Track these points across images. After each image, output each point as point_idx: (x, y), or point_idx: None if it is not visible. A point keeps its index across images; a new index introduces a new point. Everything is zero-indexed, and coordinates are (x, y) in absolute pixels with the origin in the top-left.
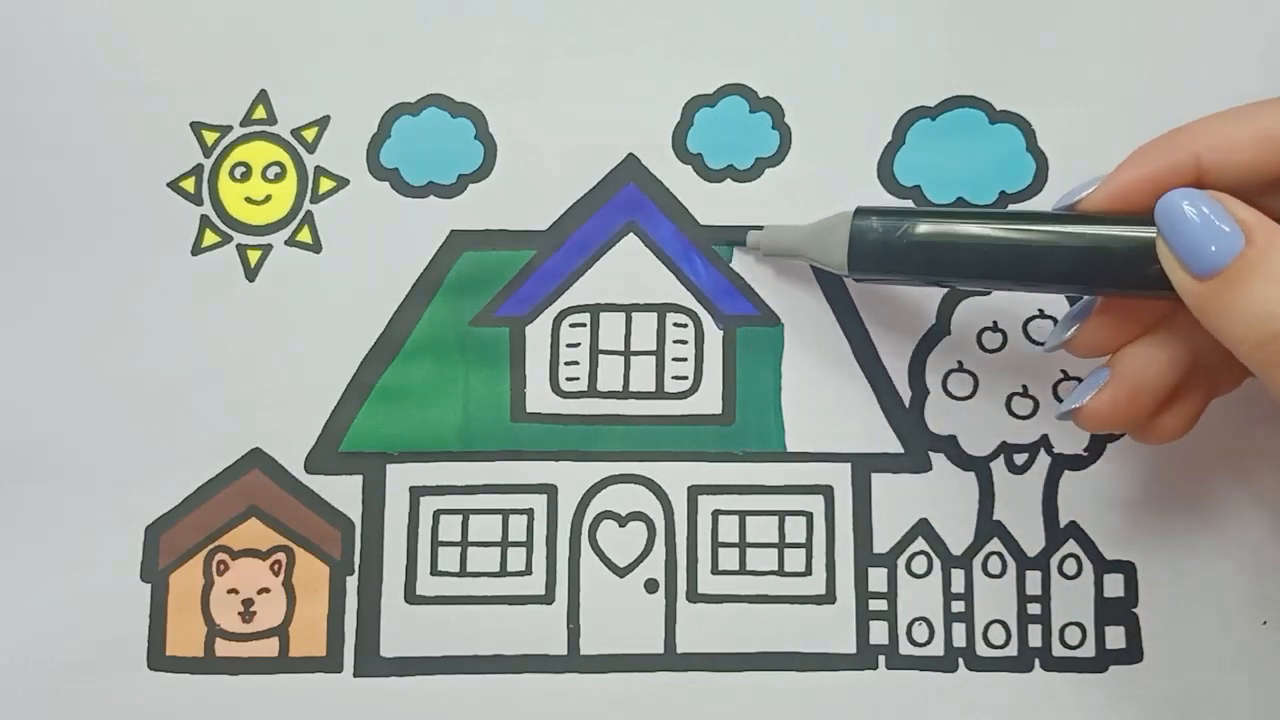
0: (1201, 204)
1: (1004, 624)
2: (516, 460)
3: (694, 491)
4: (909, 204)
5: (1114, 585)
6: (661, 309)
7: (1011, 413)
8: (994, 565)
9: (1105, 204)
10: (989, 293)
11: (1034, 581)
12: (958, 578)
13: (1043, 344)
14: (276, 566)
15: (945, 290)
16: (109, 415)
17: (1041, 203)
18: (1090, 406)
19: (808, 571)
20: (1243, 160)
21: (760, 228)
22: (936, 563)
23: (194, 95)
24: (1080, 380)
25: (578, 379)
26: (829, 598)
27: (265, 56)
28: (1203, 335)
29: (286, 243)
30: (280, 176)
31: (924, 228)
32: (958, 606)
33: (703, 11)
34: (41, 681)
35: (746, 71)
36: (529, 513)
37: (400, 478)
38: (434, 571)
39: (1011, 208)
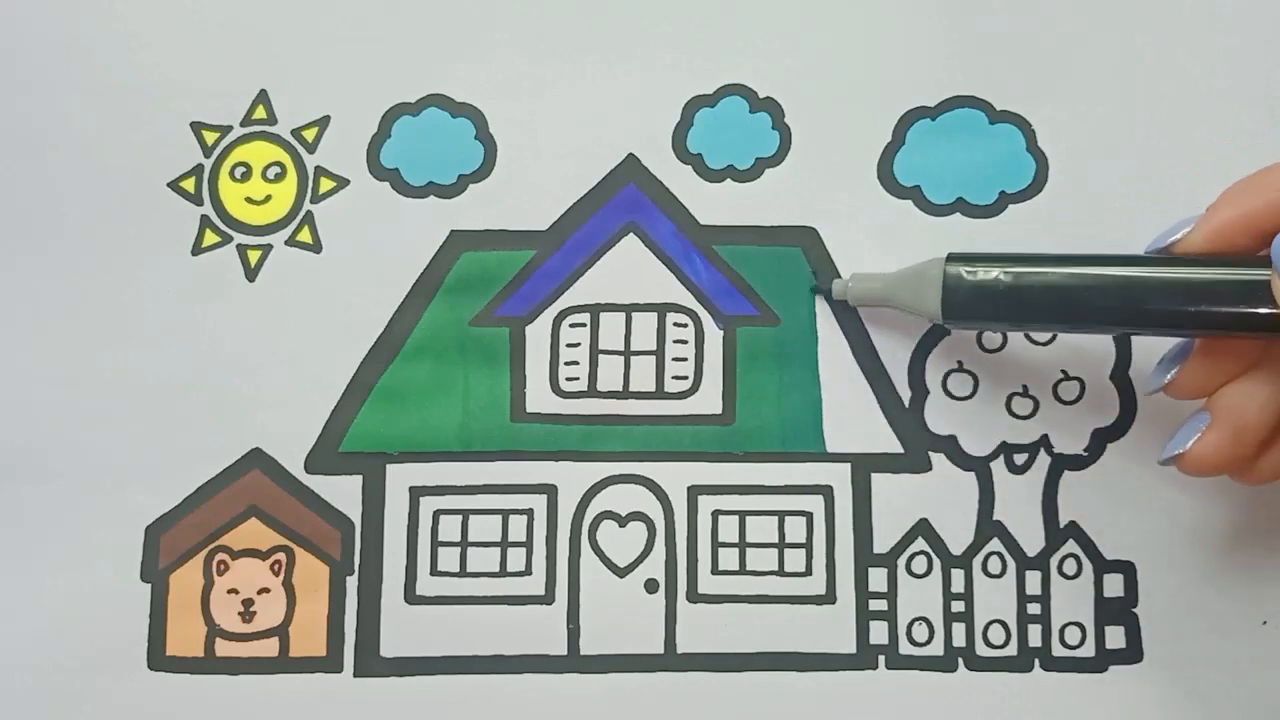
0: None
1: (1004, 624)
2: (516, 460)
3: (694, 491)
4: (998, 250)
5: (1114, 585)
6: (661, 309)
7: (1011, 413)
8: (994, 565)
9: (1203, 246)
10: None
11: (1034, 581)
12: (958, 578)
13: (1042, 344)
14: (276, 566)
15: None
16: (109, 415)
17: (1042, 203)
18: (1195, 451)
19: (808, 571)
20: None
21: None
22: (936, 563)
23: (194, 95)
24: (1080, 380)
25: (578, 379)
26: (829, 598)
27: (265, 56)
28: None
29: (286, 243)
30: (280, 176)
31: (1021, 273)
32: (957, 606)
33: (703, 11)
34: (41, 681)
35: (746, 71)
36: (529, 513)
37: (400, 478)
38: (434, 571)
39: (1103, 252)
